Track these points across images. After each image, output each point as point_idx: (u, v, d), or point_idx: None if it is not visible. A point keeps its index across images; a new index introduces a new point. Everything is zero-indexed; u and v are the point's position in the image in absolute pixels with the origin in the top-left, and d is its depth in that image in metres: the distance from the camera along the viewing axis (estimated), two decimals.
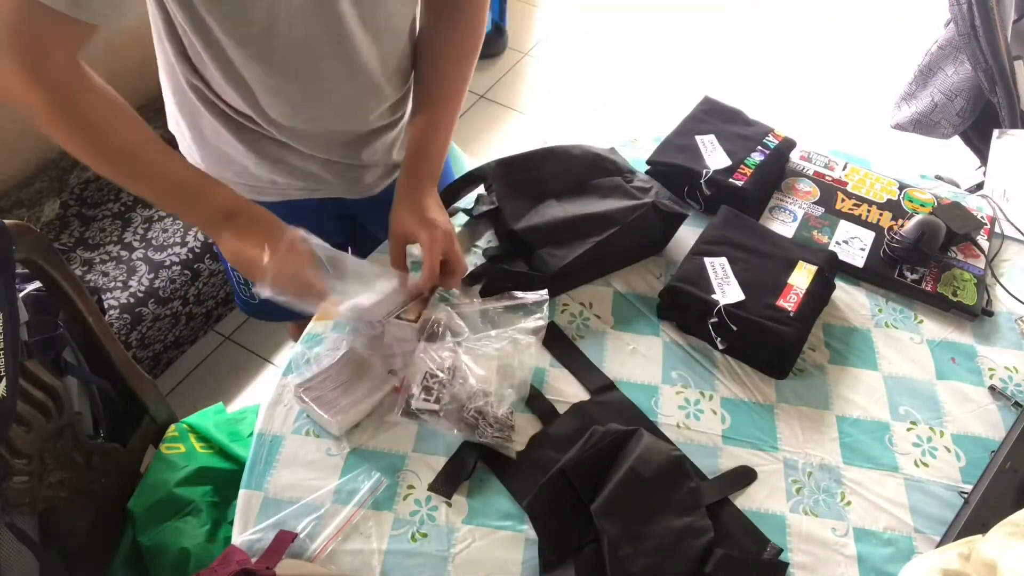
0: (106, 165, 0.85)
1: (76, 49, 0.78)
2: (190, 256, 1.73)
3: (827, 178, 1.22)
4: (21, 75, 0.77)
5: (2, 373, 0.80)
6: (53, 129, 0.84)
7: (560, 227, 1.03)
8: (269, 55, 0.87)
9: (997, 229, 1.18)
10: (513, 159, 1.10)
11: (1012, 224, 1.19)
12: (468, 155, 2.01)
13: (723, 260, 1.02)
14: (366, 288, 0.94)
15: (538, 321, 0.96)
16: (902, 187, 1.21)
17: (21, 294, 0.93)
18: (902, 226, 1.13)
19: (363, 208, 1.17)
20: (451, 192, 1.12)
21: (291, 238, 0.86)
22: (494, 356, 0.91)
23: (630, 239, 1.05)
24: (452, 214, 1.08)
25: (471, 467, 0.85)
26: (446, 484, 0.85)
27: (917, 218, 1.11)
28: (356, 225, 1.23)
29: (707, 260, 1.02)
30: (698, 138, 1.20)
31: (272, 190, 1.08)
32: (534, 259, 1.01)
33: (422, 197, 0.96)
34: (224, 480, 1.11)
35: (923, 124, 1.85)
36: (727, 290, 0.98)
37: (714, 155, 1.17)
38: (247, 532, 0.81)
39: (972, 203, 1.21)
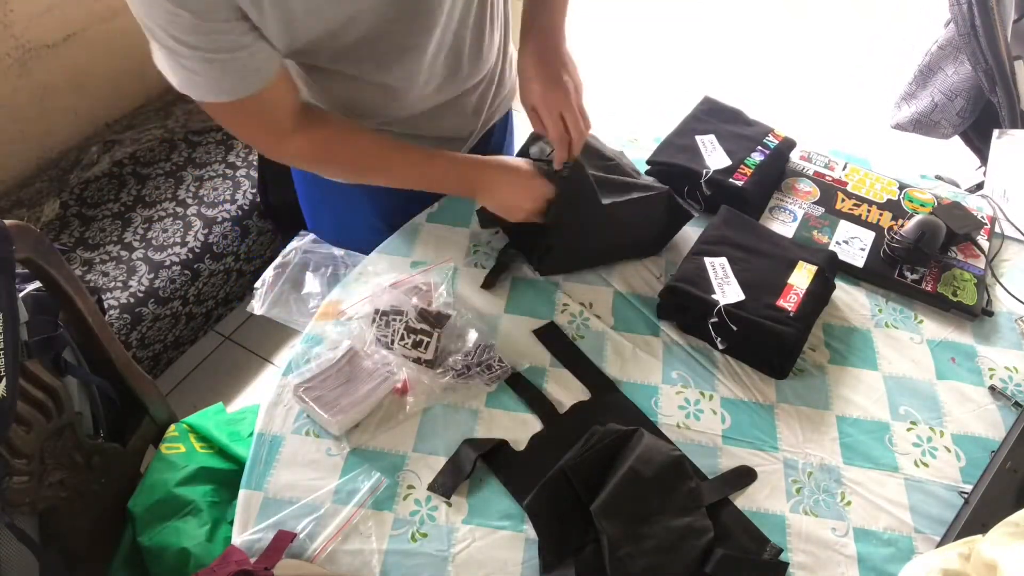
0: (358, 176, 1.03)
1: (282, 106, 0.88)
2: (190, 256, 1.73)
3: (827, 178, 1.22)
4: (279, 146, 0.93)
5: (2, 373, 0.80)
6: (318, 167, 1.03)
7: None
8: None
9: (997, 229, 1.18)
10: None
11: (1012, 224, 1.19)
12: None
13: (723, 260, 1.02)
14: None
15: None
16: (902, 187, 1.21)
17: (21, 294, 0.93)
18: (902, 226, 1.13)
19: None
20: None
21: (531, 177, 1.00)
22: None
23: (640, 220, 1.05)
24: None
25: (471, 467, 0.85)
26: (446, 484, 0.85)
27: (917, 218, 1.11)
28: None
29: (707, 260, 1.02)
30: (698, 138, 1.20)
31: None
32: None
33: (546, 58, 0.98)
34: (224, 480, 1.11)
35: (923, 124, 1.85)
36: (727, 290, 0.98)
37: (714, 155, 1.17)
38: (247, 532, 0.81)
39: (972, 203, 1.21)
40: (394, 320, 0.93)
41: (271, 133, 0.90)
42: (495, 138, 1.23)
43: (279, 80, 0.84)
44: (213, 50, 0.75)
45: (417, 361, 0.92)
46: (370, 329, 0.93)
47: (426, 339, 0.92)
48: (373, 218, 1.17)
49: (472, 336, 0.95)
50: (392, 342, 0.92)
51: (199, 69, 0.76)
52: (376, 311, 0.94)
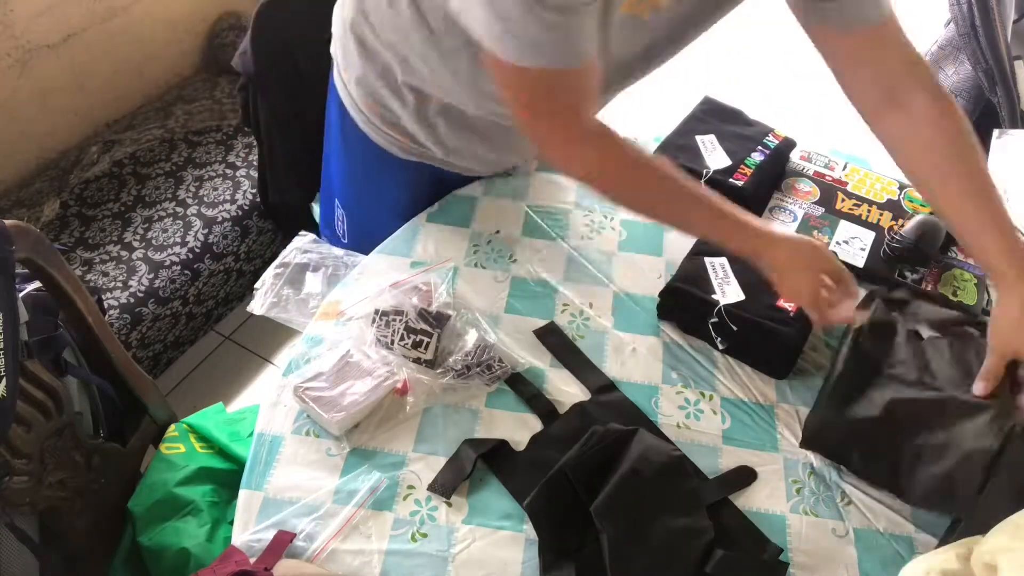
0: (631, 205, 0.94)
1: (591, 90, 0.84)
2: (190, 256, 1.73)
3: (827, 178, 1.22)
4: (574, 134, 0.87)
5: (2, 373, 0.80)
6: (609, 184, 0.92)
7: None
8: None
9: None
10: None
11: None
12: None
13: (723, 260, 1.02)
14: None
15: None
16: (902, 187, 1.21)
17: (21, 294, 0.93)
18: (902, 226, 1.13)
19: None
20: None
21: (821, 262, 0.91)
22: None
23: None
24: None
25: (471, 467, 0.85)
26: (445, 484, 0.85)
27: (917, 218, 1.11)
28: None
29: (707, 260, 1.02)
30: (698, 138, 1.20)
31: (423, 153, 1.10)
32: None
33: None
34: (224, 480, 1.11)
35: None
36: (727, 290, 0.97)
37: (714, 155, 1.17)
38: (247, 532, 0.81)
39: None
40: (394, 320, 0.93)
41: (576, 115, 0.84)
42: None
43: (593, 60, 0.80)
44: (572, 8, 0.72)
45: (417, 361, 0.92)
46: (370, 329, 0.93)
47: (426, 339, 0.92)
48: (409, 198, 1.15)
49: (472, 336, 0.95)
50: (392, 342, 0.92)
51: (556, 24, 0.72)
52: (376, 311, 0.94)
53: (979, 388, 0.86)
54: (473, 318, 0.98)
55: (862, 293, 0.95)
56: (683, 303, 1.00)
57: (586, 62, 0.79)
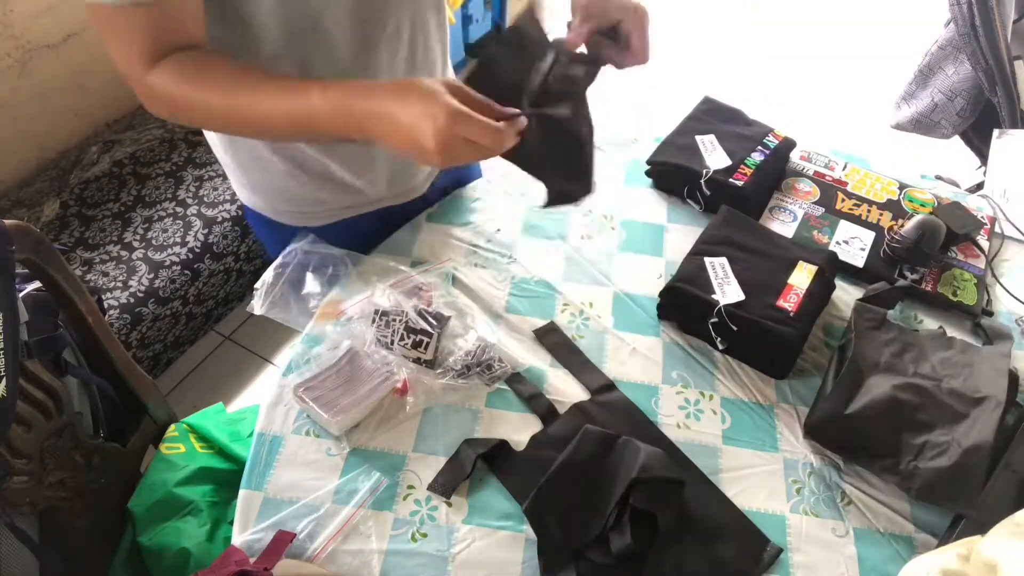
0: (224, 127, 0.88)
1: (163, 36, 0.76)
2: (190, 256, 1.73)
3: (827, 178, 1.22)
4: (144, 83, 0.78)
5: (2, 373, 0.80)
6: (181, 109, 0.81)
7: None
8: (317, 53, 0.87)
9: (997, 229, 1.18)
10: None
11: (1012, 224, 1.19)
12: None
13: (723, 260, 1.02)
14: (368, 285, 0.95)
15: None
16: (902, 187, 1.21)
17: (21, 294, 0.93)
18: (902, 226, 1.13)
19: (409, 211, 1.15)
20: None
21: (445, 102, 0.69)
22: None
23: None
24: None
25: (471, 467, 0.85)
26: (445, 484, 0.85)
27: (917, 218, 1.10)
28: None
29: (707, 260, 1.02)
30: (698, 138, 1.20)
31: (319, 213, 1.08)
32: None
33: None
34: (224, 480, 1.11)
35: (923, 124, 1.85)
36: (727, 290, 0.98)
37: (714, 155, 1.17)
38: (247, 532, 0.81)
39: (972, 203, 1.21)
40: (394, 320, 0.93)
41: (143, 62, 0.75)
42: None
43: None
44: None
45: (417, 361, 0.92)
46: (370, 329, 0.93)
47: (426, 339, 0.92)
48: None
49: (472, 336, 0.95)
50: (392, 342, 0.92)
51: None
52: (376, 311, 0.94)
53: (572, 40, 0.89)
54: (473, 318, 0.98)
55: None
56: (683, 303, 1.00)
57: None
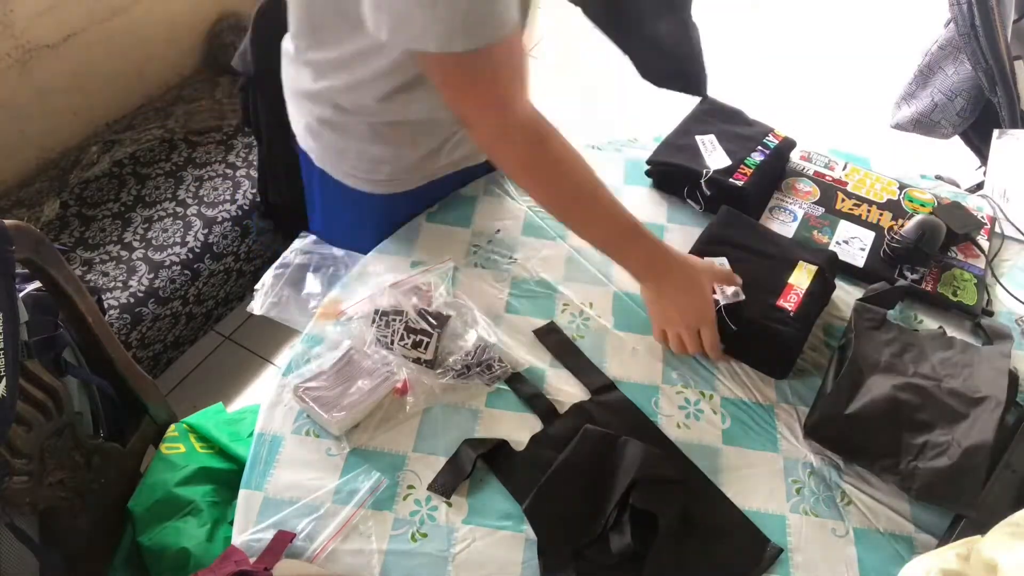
0: (568, 210, 0.94)
1: (524, 85, 0.81)
2: (190, 256, 1.73)
3: (827, 178, 1.22)
4: (518, 106, 0.83)
5: (2, 373, 0.80)
6: (530, 183, 0.92)
7: None
8: None
9: (997, 229, 1.18)
10: None
11: (1012, 224, 1.19)
12: None
13: (723, 260, 1.02)
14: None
15: None
16: (902, 187, 1.21)
17: (21, 294, 0.93)
18: (902, 226, 1.13)
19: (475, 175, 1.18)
20: None
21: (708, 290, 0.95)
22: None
23: None
24: None
25: (471, 467, 0.85)
26: (445, 484, 0.85)
27: (917, 218, 1.10)
28: None
29: (707, 260, 1.02)
30: (698, 138, 1.20)
31: (416, 178, 1.08)
32: None
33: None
34: (224, 480, 1.11)
35: (923, 124, 1.85)
36: (727, 290, 0.97)
37: (714, 155, 1.17)
38: (247, 532, 0.81)
39: (972, 203, 1.21)
40: (394, 320, 0.93)
41: (505, 101, 0.80)
42: None
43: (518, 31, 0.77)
44: None
45: (417, 361, 0.92)
46: (370, 329, 0.93)
47: (426, 339, 0.92)
48: (385, 225, 1.13)
49: (472, 336, 0.95)
50: (392, 342, 0.92)
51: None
52: (376, 311, 0.94)
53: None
54: (473, 318, 0.98)
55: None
56: None
57: (507, 34, 0.74)
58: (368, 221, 1.11)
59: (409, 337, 0.92)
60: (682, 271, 0.95)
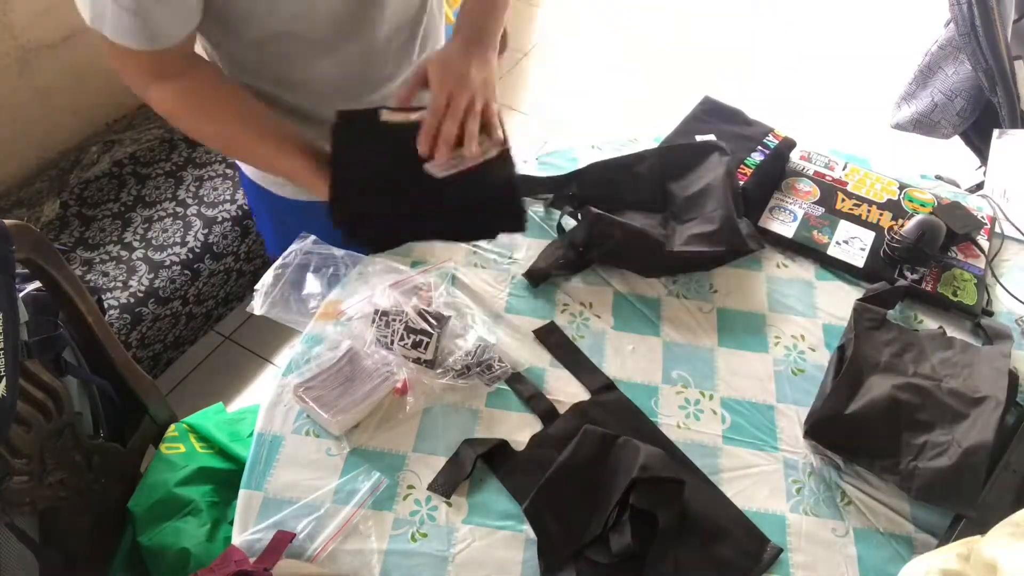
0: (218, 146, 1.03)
1: (176, 58, 0.87)
2: (190, 256, 1.73)
3: (827, 178, 1.22)
4: (150, 92, 0.90)
5: (2, 373, 0.80)
6: (178, 119, 0.95)
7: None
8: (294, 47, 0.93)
9: (997, 229, 1.18)
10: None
11: (1012, 224, 1.19)
12: None
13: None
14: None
15: None
16: (902, 187, 1.21)
17: (21, 294, 0.93)
18: (902, 226, 1.13)
19: None
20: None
21: None
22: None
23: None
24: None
25: (471, 467, 0.85)
26: (445, 484, 0.85)
27: (917, 218, 1.10)
28: None
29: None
30: (698, 138, 1.20)
31: (290, 187, 1.10)
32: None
33: (460, 55, 0.93)
34: (224, 480, 1.11)
35: (923, 124, 1.85)
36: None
37: None
38: (247, 532, 0.81)
39: (972, 203, 1.21)
40: (394, 320, 0.93)
41: (146, 75, 0.88)
42: None
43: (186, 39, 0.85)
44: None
45: (417, 361, 0.92)
46: (370, 329, 0.93)
47: (425, 339, 0.92)
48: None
49: (472, 336, 0.95)
50: (392, 342, 0.92)
51: (131, 7, 0.77)
52: (376, 311, 0.94)
53: (401, 93, 0.95)
54: (473, 318, 0.98)
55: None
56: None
57: (168, 45, 0.83)
58: (290, 230, 1.10)
59: (409, 337, 0.92)
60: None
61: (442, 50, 0.95)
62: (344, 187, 0.89)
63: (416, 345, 0.92)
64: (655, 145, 1.21)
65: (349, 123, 0.92)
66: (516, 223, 0.95)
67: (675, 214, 1.09)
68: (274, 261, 1.01)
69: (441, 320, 0.94)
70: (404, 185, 0.90)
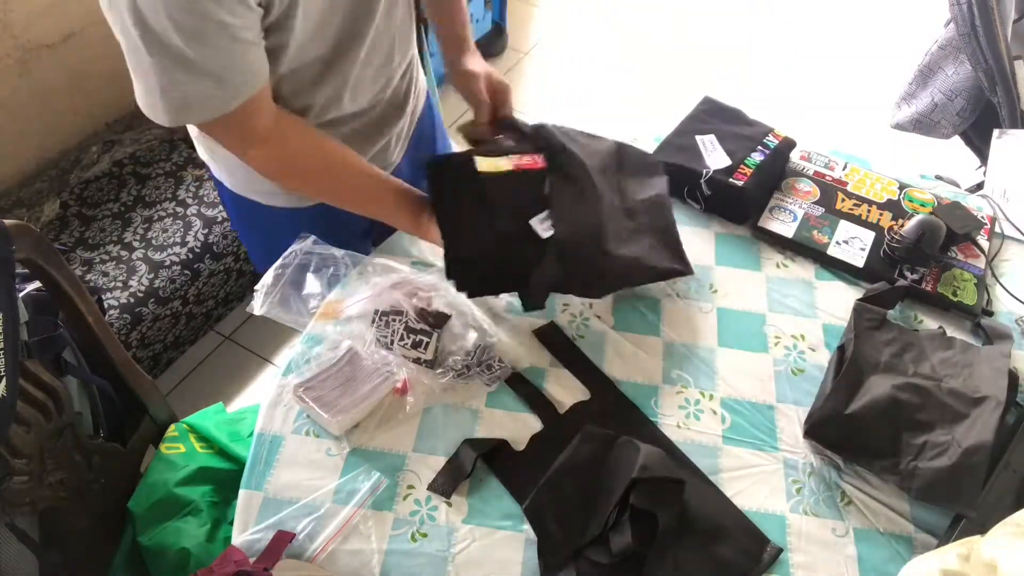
0: (325, 198, 1.01)
1: (263, 110, 0.85)
2: (190, 256, 1.73)
3: (827, 178, 1.22)
4: (244, 154, 0.89)
5: (2, 373, 0.80)
6: (280, 179, 0.96)
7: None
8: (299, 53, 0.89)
9: (997, 229, 1.18)
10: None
11: (1012, 224, 1.19)
12: None
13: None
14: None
15: None
16: (902, 187, 1.21)
17: (21, 294, 0.93)
18: (902, 226, 1.13)
19: None
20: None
21: None
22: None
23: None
24: None
25: (471, 467, 0.85)
26: (445, 484, 0.85)
27: (917, 218, 1.10)
28: None
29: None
30: (698, 138, 1.20)
31: (282, 196, 1.08)
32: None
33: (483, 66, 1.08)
34: (224, 480, 1.11)
35: (923, 124, 1.85)
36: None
37: (714, 155, 1.17)
38: (247, 532, 0.81)
39: (972, 203, 1.21)
40: (394, 320, 0.93)
41: (245, 140, 0.87)
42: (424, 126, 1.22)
43: (265, 86, 0.83)
44: (214, 40, 0.73)
45: (417, 361, 0.92)
46: (370, 329, 0.93)
47: (425, 339, 0.92)
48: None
49: (472, 336, 0.95)
50: (392, 342, 0.92)
51: (197, 69, 0.75)
52: (376, 311, 0.94)
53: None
54: (473, 318, 0.98)
55: None
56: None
57: (253, 92, 0.81)
58: (280, 240, 1.10)
59: (409, 337, 0.92)
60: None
61: (475, 65, 1.08)
62: (455, 245, 0.91)
63: (416, 345, 0.92)
64: (655, 145, 1.21)
65: (444, 173, 0.93)
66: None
67: (627, 210, 1.04)
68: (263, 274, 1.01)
69: (440, 320, 0.94)
70: (514, 242, 0.91)
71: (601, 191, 0.99)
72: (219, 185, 1.13)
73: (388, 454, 0.88)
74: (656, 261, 1.00)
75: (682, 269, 1.03)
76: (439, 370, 0.92)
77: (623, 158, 1.08)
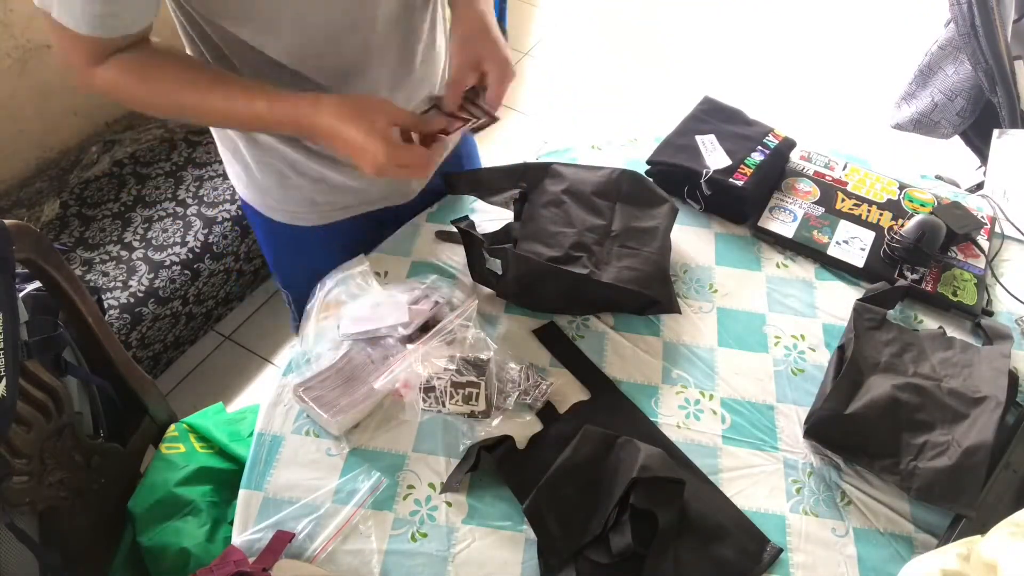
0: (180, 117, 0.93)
1: (119, 44, 0.80)
2: (190, 256, 1.73)
3: (827, 178, 1.22)
4: (87, 77, 0.82)
5: (2, 373, 0.79)
6: (128, 101, 0.87)
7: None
8: (301, 62, 0.88)
9: (997, 229, 1.18)
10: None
11: (1012, 224, 1.19)
12: None
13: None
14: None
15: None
16: (902, 187, 1.21)
17: (21, 294, 0.93)
18: (902, 226, 1.13)
19: (403, 214, 1.14)
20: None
21: (382, 137, 0.80)
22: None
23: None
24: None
25: (474, 458, 0.84)
26: (452, 480, 0.85)
27: (917, 218, 1.10)
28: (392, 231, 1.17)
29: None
30: (698, 138, 1.20)
31: (311, 214, 1.07)
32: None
33: (489, 32, 0.91)
34: (224, 480, 1.11)
35: (923, 124, 1.85)
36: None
37: (714, 155, 1.17)
38: (247, 532, 0.81)
39: (972, 203, 1.21)
40: (438, 381, 0.90)
41: (90, 63, 0.80)
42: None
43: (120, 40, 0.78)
44: None
45: (472, 415, 0.90)
46: (419, 397, 0.90)
47: (474, 391, 0.90)
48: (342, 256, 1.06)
49: (513, 368, 0.93)
50: (444, 403, 0.90)
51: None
52: (420, 386, 0.90)
53: (448, 98, 0.89)
54: (474, 314, 0.98)
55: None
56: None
57: (125, 32, 0.78)
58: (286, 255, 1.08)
59: (458, 393, 0.90)
60: (330, 104, 0.81)
61: (473, 28, 0.91)
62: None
63: (467, 399, 0.89)
64: (655, 145, 1.21)
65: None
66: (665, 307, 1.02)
67: (616, 235, 1.05)
68: (276, 281, 0.99)
69: (482, 365, 0.91)
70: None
71: (580, 217, 1.04)
72: (245, 207, 1.13)
73: (388, 454, 0.88)
74: (636, 286, 0.99)
75: (663, 304, 1.01)
76: (495, 421, 0.90)
77: (629, 186, 1.10)
